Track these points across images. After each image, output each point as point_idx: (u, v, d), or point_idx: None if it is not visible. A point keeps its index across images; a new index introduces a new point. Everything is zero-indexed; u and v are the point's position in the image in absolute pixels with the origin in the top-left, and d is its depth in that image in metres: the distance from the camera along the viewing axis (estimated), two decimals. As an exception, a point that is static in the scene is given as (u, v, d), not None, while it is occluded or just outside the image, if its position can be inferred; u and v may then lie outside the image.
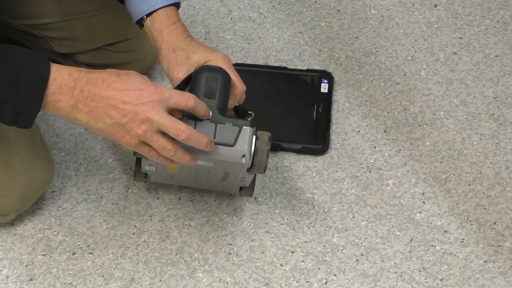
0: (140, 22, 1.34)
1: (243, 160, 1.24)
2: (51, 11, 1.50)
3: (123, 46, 1.55)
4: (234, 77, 1.30)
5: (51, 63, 1.15)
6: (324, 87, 1.59)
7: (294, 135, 1.53)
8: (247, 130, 1.24)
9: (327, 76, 1.61)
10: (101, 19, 1.52)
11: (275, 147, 1.51)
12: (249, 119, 1.31)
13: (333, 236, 1.42)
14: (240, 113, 1.33)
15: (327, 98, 1.58)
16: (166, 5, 1.32)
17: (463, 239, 1.41)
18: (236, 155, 1.24)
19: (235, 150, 1.23)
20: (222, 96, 1.26)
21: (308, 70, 1.62)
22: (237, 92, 1.30)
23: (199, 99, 1.21)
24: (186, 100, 1.18)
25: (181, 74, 1.30)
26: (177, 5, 1.34)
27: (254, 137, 1.25)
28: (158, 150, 1.19)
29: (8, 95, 1.13)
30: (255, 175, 1.37)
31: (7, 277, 1.38)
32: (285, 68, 1.63)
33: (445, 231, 1.42)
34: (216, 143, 1.23)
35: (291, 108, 1.57)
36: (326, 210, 1.45)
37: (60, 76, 1.15)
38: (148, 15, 1.32)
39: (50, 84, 1.14)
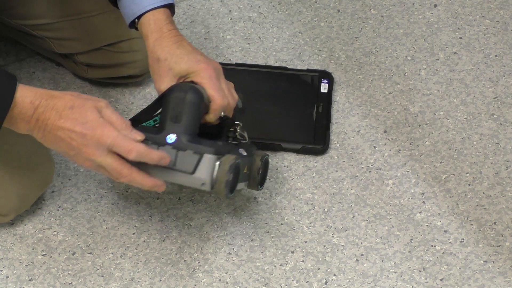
0: (134, 26, 1.33)
1: (204, 187, 1.22)
2: (50, 11, 1.50)
3: (123, 47, 1.55)
4: (213, 91, 1.25)
5: (17, 85, 1.16)
6: (324, 87, 1.59)
7: (294, 135, 1.53)
8: (207, 158, 1.21)
9: (327, 76, 1.61)
10: (100, 20, 1.52)
11: (275, 147, 1.52)
12: (238, 129, 1.30)
13: (333, 236, 1.42)
14: (226, 124, 1.31)
15: (327, 98, 1.58)
16: (154, 8, 1.29)
17: (463, 239, 1.41)
18: (196, 182, 1.22)
19: (194, 177, 1.21)
20: (189, 119, 1.23)
21: (308, 70, 1.62)
22: (216, 107, 1.26)
23: (148, 149, 1.18)
24: (127, 152, 1.17)
25: (163, 86, 1.27)
26: (169, 7, 1.31)
27: (218, 163, 1.22)
28: (112, 177, 1.20)
29: None
30: (256, 173, 1.35)
31: (7, 277, 1.38)
32: (285, 68, 1.63)
33: (445, 231, 1.42)
34: (176, 170, 1.21)
35: (291, 108, 1.57)
36: (326, 210, 1.45)
37: (22, 104, 1.16)
38: (139, 17, 1.30)
39: (10, 109, 1.16)
